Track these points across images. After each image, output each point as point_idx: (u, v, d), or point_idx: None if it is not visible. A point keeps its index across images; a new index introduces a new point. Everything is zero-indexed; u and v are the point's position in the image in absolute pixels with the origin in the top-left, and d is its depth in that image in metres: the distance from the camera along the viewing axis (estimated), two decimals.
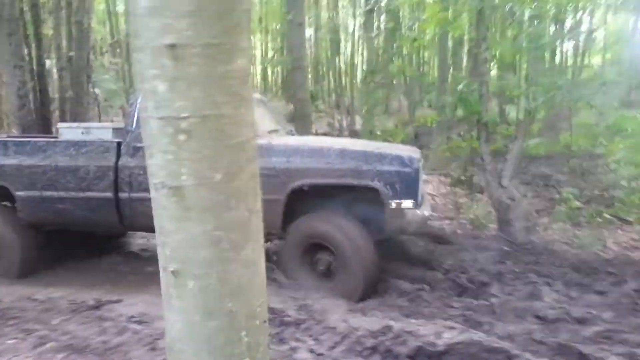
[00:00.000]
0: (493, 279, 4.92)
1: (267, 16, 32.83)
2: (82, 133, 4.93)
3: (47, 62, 11.35)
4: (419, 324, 3.68)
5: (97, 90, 13.33)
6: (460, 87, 5.93)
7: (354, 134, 12.49)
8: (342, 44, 23.22)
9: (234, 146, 0.90)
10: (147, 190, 3.68)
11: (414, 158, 4.33)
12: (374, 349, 3.41)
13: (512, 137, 6.83)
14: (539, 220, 7.45)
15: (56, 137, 5.08)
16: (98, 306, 3.98)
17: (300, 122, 8.65)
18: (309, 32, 28.40)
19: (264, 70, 36.11)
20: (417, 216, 4.24)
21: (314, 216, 4.38)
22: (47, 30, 11.04)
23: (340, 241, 4.22)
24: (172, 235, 0.91)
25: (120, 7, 26.01)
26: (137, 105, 4.54)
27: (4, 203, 5.01)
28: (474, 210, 7.73)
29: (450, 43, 13.15)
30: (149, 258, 5.58)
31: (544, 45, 6.47)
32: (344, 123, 15.66)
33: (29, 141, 4.79)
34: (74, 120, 10.14)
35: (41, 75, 9.84)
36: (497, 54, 7.16)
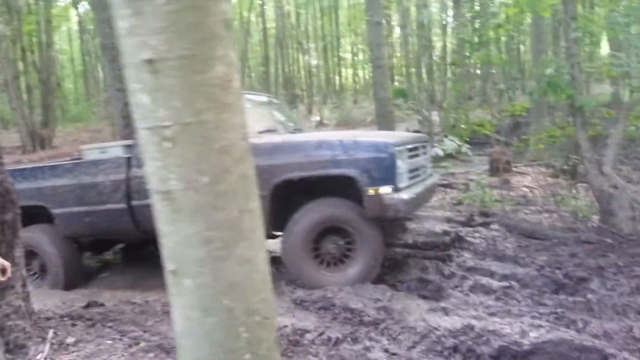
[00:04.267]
0: (593, 274, 4.57)
1: (355, 19, 32.99)
2: (100, 152, 5.40)
3: None
4: (504, 323, 3.52)
5: None
6: (548, 70, 5.54)
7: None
8: (434, 39, 22.72)
9: (219, 150, 0.95)
10: None
11: (389, 143, 4.33)
12: (454, 349, 3.32)
13: (613, 121, 6.25)
14: None
15: (80, 159, 5.62)
16: None
17: (382, 121, 8.58)
18: (397, 30, 28.10)
19: (355, 72, 36.20)
20: (395, 201, 4.22)
21: (320, 203, 4.49)
22: None
23: (360, 221, 4.36)
24: (167, 236, 0.98)
25: None
26: None
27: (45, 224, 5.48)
28: (575, 201, 7.20)
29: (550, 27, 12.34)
30: None
31: None
32: (437, 119, 15.28)
33: (60, 164, 5.40)
34: None
35: None
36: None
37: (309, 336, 3.52)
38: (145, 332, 3.70)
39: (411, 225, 6.95)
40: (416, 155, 4.84)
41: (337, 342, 3.42)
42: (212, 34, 0.93)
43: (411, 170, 4.64)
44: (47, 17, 20.24)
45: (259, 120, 5.29)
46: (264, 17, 27.57)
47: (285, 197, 4.56)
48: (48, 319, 3.93)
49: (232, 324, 0.98)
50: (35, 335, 3.42)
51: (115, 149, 5.36)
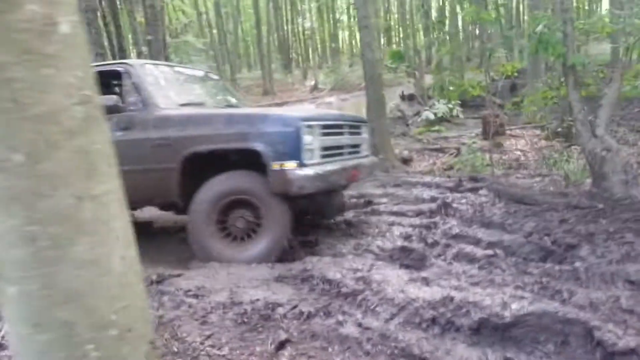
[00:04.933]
0: (582, 241, 4.38)
1: None
2: None
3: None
4: (485, 294, 3.37)
5: None
6: (539, 27, 5.23)
7: None
8: None
9: (36, 118, 0.71)
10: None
11: (296, 117, 4.27)
12: (433, 321, 3.17)
13: (607, 80, 5.98)
14: None
15: None
16: (160, 281, 4.08)
17: (371, 84, 8.24)
18: None
19: (351, 35, 35.50)
20: (298, 176, 4.16)
21: (227, 176, 4.39)
22: (124, 18, 11.59)
23: (264, 195, 4.29)
24: None
25: None
26: None
27: None
28: (568, 165, 7.01)
29: None
30: None
31: None
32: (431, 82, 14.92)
33: None
34: None
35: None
36: None
37: (280, 310, 3.36)
38: None
39: (398, 191, 6.78)
40: (337, 134, 4.75)
41: (310, 316, 3.25)
42: None
43: (326, 148, 4.57)
44: None
45: (185, 93, 5.23)
46: None
47: (196, 171, 4.49)
48: None
49: (74, 341, 0.77)
50: None
51: None
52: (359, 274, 3.89)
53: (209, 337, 3.03)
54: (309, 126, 4.33)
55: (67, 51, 0.72)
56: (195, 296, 3.77)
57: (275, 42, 32.89)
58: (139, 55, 11.46)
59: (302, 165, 4.24)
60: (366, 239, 4.82)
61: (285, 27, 31.86)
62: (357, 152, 5.25)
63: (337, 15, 34.05)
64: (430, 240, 4.56)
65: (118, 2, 11.01)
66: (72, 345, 0.74)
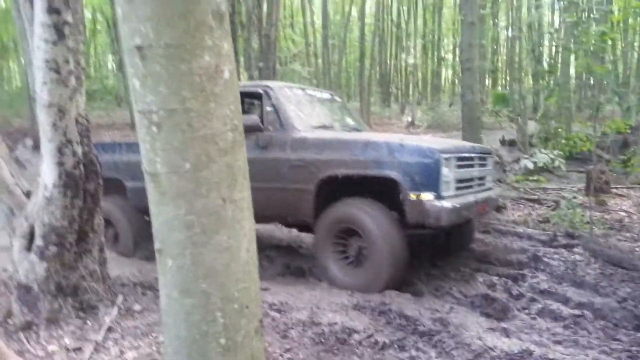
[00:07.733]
0: None
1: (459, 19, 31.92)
2: None
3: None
4: (567, 353, 3.27)
5: None
6: None
7: None
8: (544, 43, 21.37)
9: (202, 138, 0.97)
10: None
11: (435, 149, 4.16)
12: None
13: None
14: None
15: None
16: None
17: (468, 127, 8.18)
18: (509, 31, 26.90)
19: (455, 74, 35.20)
20: (436, 208, 4.06)
21: (343, 202, 4.41)
22: (240, 43, 12.54)
23: (368, 225, 4.24)
24: (155, 217, 1.02)
25: (319, 21, 28.07)
26: None
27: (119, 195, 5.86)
28: None
29: None
30: (304, 254, 5.92)
31: None
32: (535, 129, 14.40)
33: (135, 142, 5.73)
34: None
35: None
36: None
37: (356, 337, 3.49)
38: None
39: (487, 238, 6.64)
40: (469, 166, 4.65)
41: (384, 346, 3.35)
42: (201, 24, 0.96)
43: (460, 180, 4.46)
44: None
45: (316, 115, 5.32)
46: (364, 12, 27.41)
47: (329, 194, 4.54)
48: (122, 285, 4.20)
49: (209, 308, 1.01)
50: (106, 298, 3.66)
51: None
52: (437, 315, 3.93)
53: (288, 350, 3.22)
54: (447, 158, 4.21)
55: (227, 91, 0.97)
56: (279, 311, 4.01)
57: (377, 76, 33.28)
58: (250, 79, 12.32)
59: (439, 197, 4.12)
60: (448, 282, 4.81)
61: (388, 62, 32.27)
62: (484, 185, 5.08)
63: (442, 54, 33.99)
64: (515, 292, 4.46)
65: (238, 30, 12.00)
66: (207, 311, 0.97)
